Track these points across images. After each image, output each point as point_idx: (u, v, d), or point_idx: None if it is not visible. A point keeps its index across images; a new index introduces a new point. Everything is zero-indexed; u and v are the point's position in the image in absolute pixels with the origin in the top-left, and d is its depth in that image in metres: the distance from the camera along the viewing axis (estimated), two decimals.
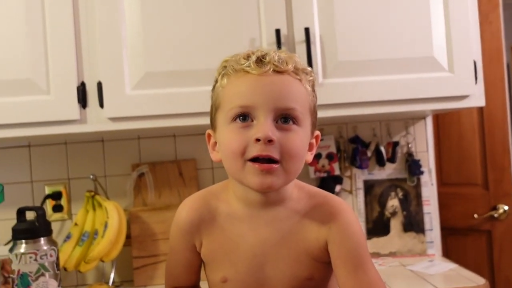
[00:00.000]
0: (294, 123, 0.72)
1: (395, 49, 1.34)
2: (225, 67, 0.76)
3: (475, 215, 2.04)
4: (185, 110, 1.30)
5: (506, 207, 2.01)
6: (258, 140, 0.69)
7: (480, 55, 1.38)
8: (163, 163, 1.57)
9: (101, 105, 1.27)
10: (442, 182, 2.05)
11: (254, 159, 0.70)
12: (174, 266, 0.86)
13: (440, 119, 2.06)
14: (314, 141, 0.79)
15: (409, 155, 1.63)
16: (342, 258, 0.75)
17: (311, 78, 0.77)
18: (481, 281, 1.36)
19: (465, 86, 1.35)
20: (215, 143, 0.78)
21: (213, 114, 0.78)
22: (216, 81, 0.78)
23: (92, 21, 1.27)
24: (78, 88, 1.26)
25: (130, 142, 1.58)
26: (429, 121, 1.68)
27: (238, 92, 0.72)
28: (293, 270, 0.77)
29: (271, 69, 0.71)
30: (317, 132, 0.80)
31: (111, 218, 1.40)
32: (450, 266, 1.50)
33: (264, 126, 0.69)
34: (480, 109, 1.96)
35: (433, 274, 1.43)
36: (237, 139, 0.71)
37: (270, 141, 0.69)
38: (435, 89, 1.35)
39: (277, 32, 1.28)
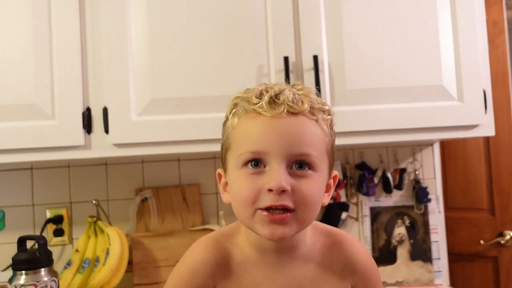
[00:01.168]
0: (309, 168, 0.68)
1: (404, 78, 1.32)
2: (236, 104, 0.72)
3: (482, 242, 2.01)
4: (191, 137, 1.28)
5: None
6: (270, 190, 0.65)
7: (490, 84, 1.37)
8: (167, 187, 1.55)
9: (106, 130, 1.25)
10: (448, 206, 2.02)
11: (266, 208, 0.66)
12: None
13: (446, 143, 2.04)
14: (331, 181, 0.75)
15: (416, 182, 1.61)
16: None
17: (329, 117, 0.72)
18: None
19: (474, 116, 1.34)
20: (226, 183, 0.74)
21: (223, 153, 0.74)
22: (227, 119, 0.74)
23: (99, 46, 1.25)
24: (83, 114, 1.24)
25: (134, 166, 1.55)
26: (436, 147, 1.66)
27: (249, 135, 0.68)
28: None
29: (285, 111, 0.67)
30: (335, 172, 0.76)
31: (113, 245, 1.37)
32: None
33: (277, 174, 0.65)
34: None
35: None
36: (249, 187, 0.67)
37: (283, 191, 0.65)
38: (444, 118, 1.34)
39: (286, 59, 1.27)
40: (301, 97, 0.69)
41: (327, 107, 0.72)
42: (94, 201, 1.46)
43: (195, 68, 1.27)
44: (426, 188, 1.60)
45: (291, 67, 1.28)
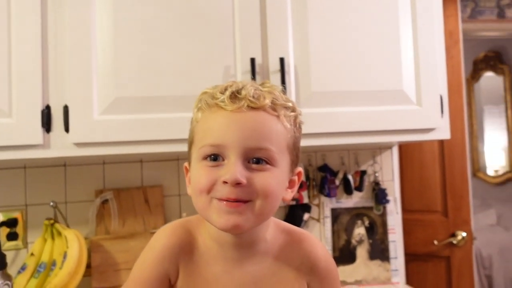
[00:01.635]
0: (268, 163, 0.68)
1: (367, 82, 1.36)
2: (201, 100, 0.72)
3: (435, 242, 2.09)
4: (155, 137, 1.25)
5: (464, 234, 2.08)
6: (226, 182, 0.66)
7: (446, 90, 1.43)
8: (129, 189, 1.51)
9: (67, 129, 1.21)
10: (404, 208, 2.09)
11: (221, 199, 0.67)
12: None
13: (403, 148, 2.11)
14: (295, 178, 0.75)
15: (376, 184, 1.66)
16: None
17: (292, 113, 0.72)
18: None
19: (432, 119, 1.39)
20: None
21: (188, 147, 0.75)
22: (193, 115, 0.75)
23: (61, 42, 1.21)
24: (42, 112, 1.19)
25: (94, 167, 1.51)
26: (395, 151, 1.71)
27: (209, 129, 0.69)
28: None
29: (246, 105, 0.67)
30: (299, 169, 0.76)
31: (71, 248, 1.33)
32: None
33: (233, 167, 0.66)
34: (441, 140, 2.03)
35: None
36: (206, 177, 0.67)
37: (238, 184, 0.65)
38: (404, 121, 1.38)
39: (252, 61, 1.28)
40: (263, 93, 0.70)
41: (290, 104, 0.72)
42: (51, 203, 1.41)
43: (161, 67, 1.26)
44: (385, 189, 1.65)
45: (257, 68, 1.28)
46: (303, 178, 1.58)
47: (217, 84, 0.74)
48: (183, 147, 1.26)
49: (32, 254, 1.35)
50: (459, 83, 2.07)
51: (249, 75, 1.27)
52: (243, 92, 0.68)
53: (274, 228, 0.77)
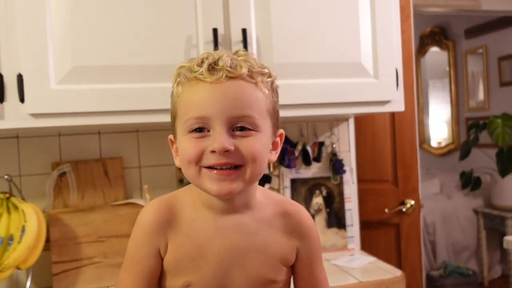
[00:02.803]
0: (251, 129, 0.72)
1: (327, 54, 1.39)
2: (179, 74, 0.74)
3: (386, 210, 2.20)
4: (115, 108, 1.23)
5: (412, 202, 2.19)
6: (214, 151, 0.69)
7: (401, 64, 1.48)
8: (87, 161, 1.48)
9: (22, 99, 1.16)
10: (357, 179, 2.18)
11: (210, 166, 0.70)
12: (132, 282, 0.77)
13: (356, 119, 2.18)
14: (278, 140, 0.79)
15: (333, 154, 1.71)
16: (308, 261, 0.81)
17: (269, 79, 0.75)
18: (398, 272, 1.47)
19: (388, 92, 1.45)
20: (177, 148, 0.76)
21: (172, 121, 0.77)
22: (173, 88, 0.76)
23: (11, 7, 1.15)
24: None
25: (49, 139, 1.46)
26: (351, 122, 1.77)
27: (192, 102, 0.71)
28: (259, 273, 0.77)
29: (224, 76, 0.70)
30: (281, 131, 0.80)
31: (29, 221, 1.29)
32: (369, 259, 1.60)
33: (219, 137, 0.69)
34: (392, 112, 2.11)
35: (355, 268, 1.51)
36: (193, 148, 0.71)
37: (226, 151, 0.69)
38: (361, 94, 1.43)
39: (214, 31, 1.27)
40: (239, 62, 0.72)
41: (266, 70, 0.75)
42: (6, 176, 1.36)
43: (121, 36, 1.22)
44: (341, 160, 1.71)
45: (219, 39, 1.28)
46: None
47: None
48: (144, 118, 1.26)
49: None
50: (410, 57, 2.15)
51: (211, 46, 1.26)
52: (220, 63, 0.70)
53: (263, 197, 0.81)
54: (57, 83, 1.18)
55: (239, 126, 0.71)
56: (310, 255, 0.81)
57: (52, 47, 1.17)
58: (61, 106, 1.19)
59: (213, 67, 0.71)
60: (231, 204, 0.76)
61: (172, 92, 0.77)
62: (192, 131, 0.71)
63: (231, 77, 0.70)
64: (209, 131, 0.71)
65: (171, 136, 0.79)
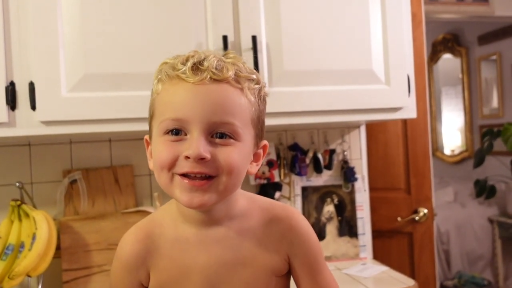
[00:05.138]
0: (231, 138, 0.66)
1: (337, 61, 1.38)
2: (161, 70, 0.69)
3: (399, 218, 2.17)
4: (126, 115, 1.23)
5: (425, 211, 2.16)
6: (188, 157, 0.64)
7: (413, 70, 1.47)
8: (98, 169, 1.48)
9: (33, 107, 1.17)
10: (369, 187, 2.15)
11: (183, 174, 0.65)
12: None
13: (368, 127, 2.16)
14: (261, 151, 0.74)
15: (345, 162, 1.69)
16: (305, 269, 0.76)
17: (256, 86, 0.70)
18: (411, 282, 1.44)
19: (399, 99, 1.43)
20: (152, 151, 0.72)
21: (149, 121, 0.72)
22: (153, 86, 0.71)
23: (24, 15, 1.16)
24: (6, 88, 1.15)
25: (60, 147, 1.47)
26: (363, 130, 1.75)
27: (170, 102, 0.66)
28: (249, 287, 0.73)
29: (208, 77, 0.65)
30: (264, 142, 0.75)
31: (40, 229, 1.29)
32: (381, 268, 1.57)
33: (196, 142, 0.64)
34: (405, 119, 2.09)
35: (367, 277, 1.49)
36: (167, 152, 0.65)
37: (202, 159, 0.64)
38: (372, 100, 1.41)
39: (224, 38, 1.27)
40: (226, 64, 0.67)
41: (254, 76, 0.70)
42: (17, 184, 1.36)
43: (131, 43, 1.23)
44: (353, 168, 1.69)
45: (230, 46, 1.27)
46: (274, 157, 1.60)
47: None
48: None
49: None
50: (422, 64, 2.13)
51: (222, 53, 1.26)
52: (206, 64, 0.65)
53: (249, 204, 0.75)
54: (68, 91, 1.19)
55: (218, 133, 0.66)
56: (306, 262, 0.75)
57: (64, 55, 1.18)
58: (72, 113, 1.19)
59: (197, 67, 0.65)
60: (210, 215, 0.71)
61: (152, 89, 0.71)
62: (168, 133, 0.66)
63: (215, 80, 0.65)
64: (186, 134, 0.65)
65: (147, 137, 0.74)
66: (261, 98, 0.72)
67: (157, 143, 0.67)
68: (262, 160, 0.75)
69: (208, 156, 0.64)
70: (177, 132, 0.66)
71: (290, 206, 0.81)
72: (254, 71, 0.72)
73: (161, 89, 0.68)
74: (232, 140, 0.66)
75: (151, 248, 0.73)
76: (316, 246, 0.77)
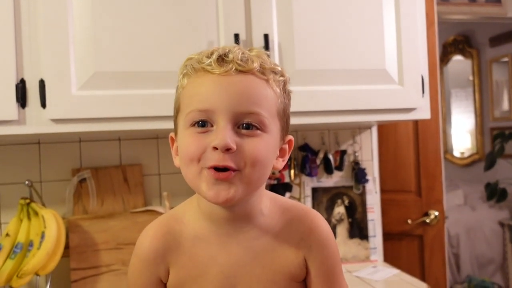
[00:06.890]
0: (258, 128, 0.66)
1: (350, 61, 1.36)
2: (187, 65, 0.69)
3: (409, 221, 2.14)
4: (136, 114, 1.22)
5: (436, 213, 2.13)
6: (215, 148, 0.63)
7: (427, 70, 1.44)
8: (107, 168, 1.47)
9: (43, 105, 1.16)
10: (380, 189, 2.13)
11: (211, 168, 0.65)
12: None
13: (379, 129, 2.14)
14: (286, 146, 0.73)
15: (356, 163, 1.67)
16: (321, 276, 0.73)
17: (281, 78, 0.70)
18: (423, 286, 1.42)
19: (413, 99, 1.41)
20: (177, 148, 0.71)
21: (174, 116, 0.72)
22: (179, 81, 0.71)
23: (35, 13, 1.15)
24: (17, 86, 1.14)
25: (70, 146, 1.46)
26: (374, 131, 1.73)
27: (196, 94, 0.66)
28: None
29: (234, 68, 0.65)
30: (290, 137, 0.74)
31: (49, 227, 1.28)
32: (393, 271, 1.55)
33: (223, 132, 0.63)
34: (415, 120, 2.06)
35: (378, 280, 1.47)
36: (195, 144, 0.65)
37: (228, 149, 0.63)
38: (385, 101, 1.39)
39: (236, 36, 1.25)
40: (251, 57, 0.67)
41: (279, 68, 0.70)
42: (26, 182, 1.36)
43: (142, 41, 1.21)
44: (364, 169, 1.66)
45: (241, 44, 1.26)
46: None
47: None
48: (164, 125, 1.25)
49: (7, 235, 1.30)
50: (434, 64, 2.10)
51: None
52: (231, 56, 0.66)
53: (271, 204, 0.74)
54: (79, 89, 1.18)
55: (245, 124, 0.65)
56: (323, 268, 0.73)
57: (74, 53, 1.17)
58: (82, 111, 1.18)
59: (222, 59, 0.66)
60: (233, 213, 0.70)
61: (177, 85, 0.71)
62: (194, 125, 0.66)
63: (241, 71, 0.65)
64: (212, 126, 0.65)
65: (172, 134, 0.73)
66: (286, 92, 0.72)
67: (184, 136, 0.67)
68: (288, 156, 0.74)
69: (234, 146, 0.63)
70: (203, 123, 0.65)
71: (308, 207, 0.78)
72: (278, 64, 0.72)
73: (186, 83, 0.69)
74: (258, 131, 0.66)
75: (171, 244, 0.73)
76: (334, 254, 0.75)
